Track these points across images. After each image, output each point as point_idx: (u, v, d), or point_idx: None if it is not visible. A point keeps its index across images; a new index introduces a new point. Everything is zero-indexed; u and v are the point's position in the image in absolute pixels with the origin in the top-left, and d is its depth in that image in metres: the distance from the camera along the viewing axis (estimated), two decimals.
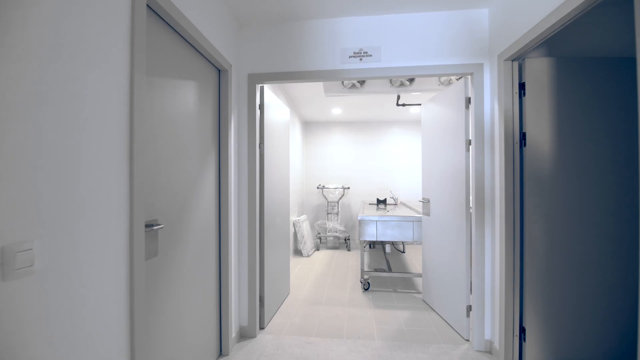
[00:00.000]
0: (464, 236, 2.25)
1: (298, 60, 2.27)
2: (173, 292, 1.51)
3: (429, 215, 2.81)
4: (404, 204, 4.93)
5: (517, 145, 1.90)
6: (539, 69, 1.87)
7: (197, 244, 1.77)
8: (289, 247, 3.22)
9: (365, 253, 4.95)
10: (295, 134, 5.05)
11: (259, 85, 2.39)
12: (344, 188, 5.45)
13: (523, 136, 1.89)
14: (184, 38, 1.62)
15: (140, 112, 1.17)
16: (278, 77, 2.29)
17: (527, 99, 1.88)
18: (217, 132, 2.05)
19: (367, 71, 2.19)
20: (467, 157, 2.22)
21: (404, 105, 3.35)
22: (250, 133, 2.30)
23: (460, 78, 2.89)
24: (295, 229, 4.80)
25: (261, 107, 2.42)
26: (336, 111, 5.14)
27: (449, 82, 2.99)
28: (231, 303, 2.13)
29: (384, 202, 5.03)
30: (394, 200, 5.10)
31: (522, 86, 1.91)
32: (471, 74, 2.14)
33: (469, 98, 2.22)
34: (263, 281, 2.42)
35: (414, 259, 4.54)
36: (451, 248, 2.43)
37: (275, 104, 2.72)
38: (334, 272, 3.91)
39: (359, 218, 3.18)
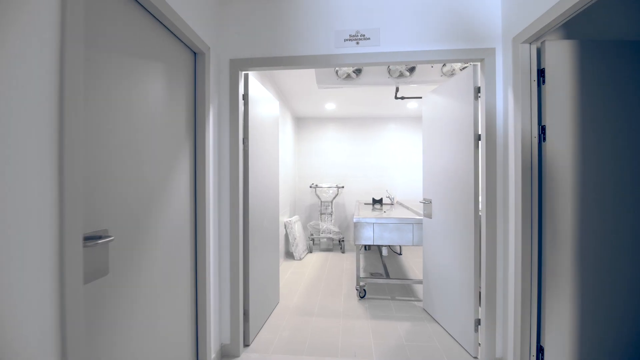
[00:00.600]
0: (471, 241, 2.02)
1: (287, 44, 2.01)
2: (134, 314, 1.24)
3: (431, 218, 2.58)
4: (400, 204, 4.71)
5: (536, 140, 1.68)
6: (561, 53, 1.64)
7: (167, 255, 1.50)
8: (278, 251, 2.96)
9: (360, 256, 4.72)
10: (287, 130, 4.78)
11: (243, 72, 2.12)
12: (338, 187, 5.21)
13: (542, 130, 1.66)
14: (147, 11, 1.34)
15: (76, 94, 0.90)
16: (264, 63, 2.02)
17: (547, 87, 1.65)
18: (192, 125, 1.78)
19: (365, 56, 1.94)
20: (476, 154, 1.99)
21: (402, 98, 3.11)
22: (232, 127, 2.03)
23: (464, 68, 2.66)
24: (286, 231, 4.55)
25: (245, 97, 2.15)
26: (330, 106, 4.89)
27: (452, 73, 2.76)
28: (210, 319, 1.86)
29: (379, 201, 4.80)
30: (390, 199, 4.89)
31: (541, 73, 1.68)
32: (481, 60, 1.90)
33: (479, 88, 1.98)
34: (248, 292, 2.16)
35: (411, 262, 4.33)
36: (456, 254, 2.20)
37: (262, 95, 2.46)
38: (328, 277, 3.66)
39: (354, 220, 2.94)
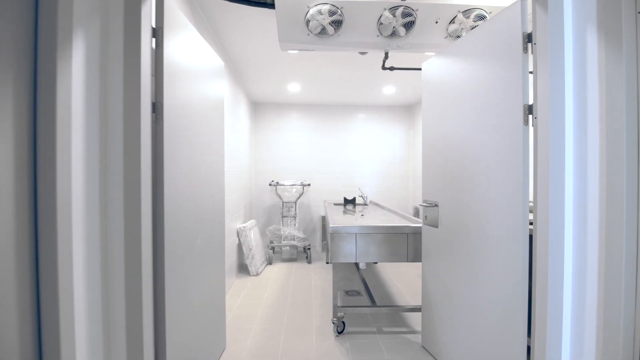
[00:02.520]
0: (517, 268, 1.35)
1: None
2: None
3: (437, 227, 1.90)
4: (376, 204, 4.06)
5: None
6: None
7: None
8: (223, 275, 2.10)
9: (328, 268, 3.98)
10: (240, 115, 3.87)
11: None
12: (303, 185, 4.41)
13: None
14: None
15: None
16: None
17: None
18: (26, 67, 0.88)
19: None
20: (526, 135, 1.32)
21: (392, 69, 2.40)
22: (129, 81, 1.14)
23: (474, 27, 2.01)
24: (239, 240, 3.65)
25: (158, 35, 1.27)
26: (293, 88, 4.06)
27: (458, 35, 2.10)
28: None
29: (352, 202, 4.11)
30: (363, 199, 4.22)
31: None
32: None
33: (529, 35, 1.31)
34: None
35: (390, 272, 3.68)
36: (485, 283, 1.52)
37: (195, 42, 1.58)
38: (293, 300, 2.86)
39: (330, 230, 2.17)
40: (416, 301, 2.80)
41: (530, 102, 1.30)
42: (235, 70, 3.46)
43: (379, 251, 2.16)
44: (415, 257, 2.17)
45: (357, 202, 4.34)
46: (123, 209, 1.14)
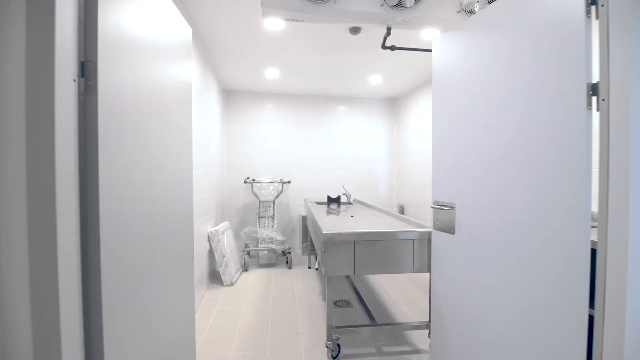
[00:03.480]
0: (575, 284, 1.08)
1: None
2: None
3: (453, 233, 1.61)
4: (361, 203, 3.78)
5: None
6: None
7: None
8: (192, 296, 1.69)
9: (312, 274, 3.65)
10: (211, 103, 3.40)
11: None
12: (282, 182, 4.01)
13: None
14: None
15: None
16: None
17: None
18: None
19: None
20: (589, 121, 1.04)
21: (392, 48, 2.07)
22: (35, 21, 0.72)
23: (492, 1, 1.74)
24: (211, 245, 3.21)
25: None
26: (271, 74, 3.65)
27: (471, 11, 1.82)
28: None
29: (336, 201, 3.78)
30: (347, 197, 3.91)
31: None
32: None
33: None
34: None
35: (380, 279, 3.41)
36: (523, 301, 1.25)
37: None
38: (276, 316, 2.49)
39: (324, 237, 1.82)
40: (414, 312, 2.53)
41: (597, 80, 1.02)
42: (205, 50, 2.99)
43: (381, 261, 1.85)
44: (421, 267, 1.88)
45: (341, 200, 4.03)
46: (27, 221, 0.71)
